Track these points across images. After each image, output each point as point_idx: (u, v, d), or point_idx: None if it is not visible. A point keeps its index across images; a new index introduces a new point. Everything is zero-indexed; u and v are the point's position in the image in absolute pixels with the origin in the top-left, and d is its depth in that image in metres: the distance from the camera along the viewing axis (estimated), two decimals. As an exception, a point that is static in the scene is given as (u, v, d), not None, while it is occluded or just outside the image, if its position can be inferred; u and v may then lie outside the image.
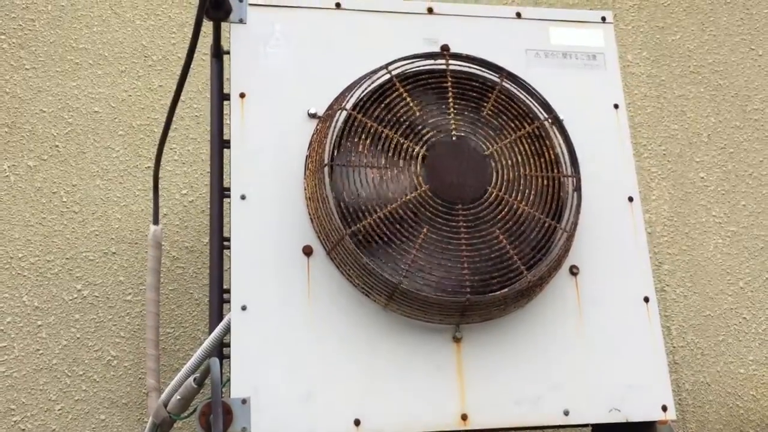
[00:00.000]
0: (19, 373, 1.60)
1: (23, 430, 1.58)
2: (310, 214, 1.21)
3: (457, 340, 1.20)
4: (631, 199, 1.35)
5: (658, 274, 1.97)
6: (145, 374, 1.63)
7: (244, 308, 1.16)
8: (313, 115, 1.27)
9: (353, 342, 1.17)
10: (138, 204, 1.75)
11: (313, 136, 1.25)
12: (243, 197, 1.21)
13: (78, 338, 1.65)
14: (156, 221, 1.59)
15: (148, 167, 1.78)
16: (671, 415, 1.22)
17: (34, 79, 1.80)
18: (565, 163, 1.28)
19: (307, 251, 1.20)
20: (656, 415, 1.22)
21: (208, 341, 1.21)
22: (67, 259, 1.69)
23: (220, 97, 1.37)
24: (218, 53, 1.39)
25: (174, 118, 1.75)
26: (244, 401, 1.11)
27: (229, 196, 1.32)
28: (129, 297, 1.69)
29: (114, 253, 1.71)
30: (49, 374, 1.61)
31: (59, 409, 1.60)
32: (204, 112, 1.85)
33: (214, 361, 1.08)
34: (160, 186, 1.72)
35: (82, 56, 1.84)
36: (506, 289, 1.17)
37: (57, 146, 1.76)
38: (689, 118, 2.14)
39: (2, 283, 1.65)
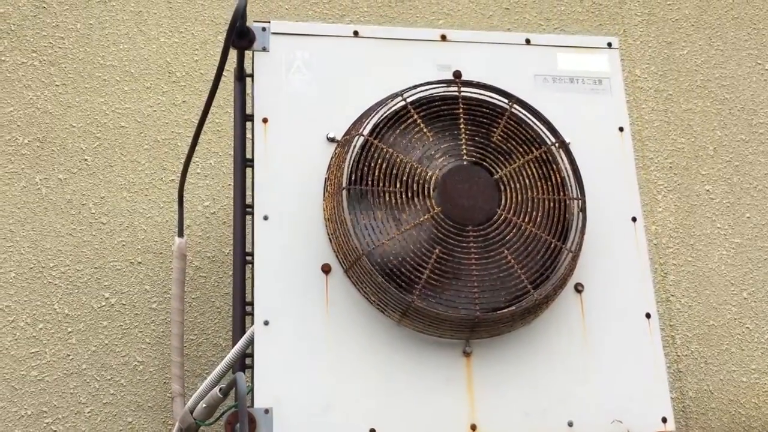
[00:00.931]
0: (50, 377, 1.69)
1: (54, 431, 1.66)
2: (328, 234, 1.29)
3: (467, 354, 1.27)
4: (634, 219, 1.41)
5: (664, 284, 2.03)
6: (169, 379, 1.72)
7: (266, 323, 1.23)
8: (332, 140, 1.34)
9: (369, 356, 1.24)
10: (162, 216, 1.83)
11: (332, 159, 1.32)
12: (266, 218, 1.29)
13: (106, 344, 1.73)
14: (181, 234, 1.67)
15: (173, 180, 1.86)
16: (671, 426, 1.29)
17: (63, 95, 1.88)
18: (571, 185, 1.34)
19: (326, 269, 1.27)
20: (656, 427, 1.29)
21: (232, 353, 1.28)
22: (95, 268, 1.77)
23: (242, 119, 1.45)
24: (241, 77, 1.47)
25: (197, 134, 1.83)
26: (266, 411, 1.18)
27: (250, 213, 1.40)
28: (154, 305, 1.77)
29: (140, 262, 1.79)
30: (78, 378, 1.70)
31: (89, 412, 1.69)
32: (224, 127, 1.92)
33: (240, 376, 1.15)
34: (184, 198, 1.80)
35: (110, 73, 1.92)
36: (514, 307, 1.24)
37: (86, 160, 1.84)
38: (696, 131, 2.20)
39: (34, 291, 1.73)
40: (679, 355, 1.98)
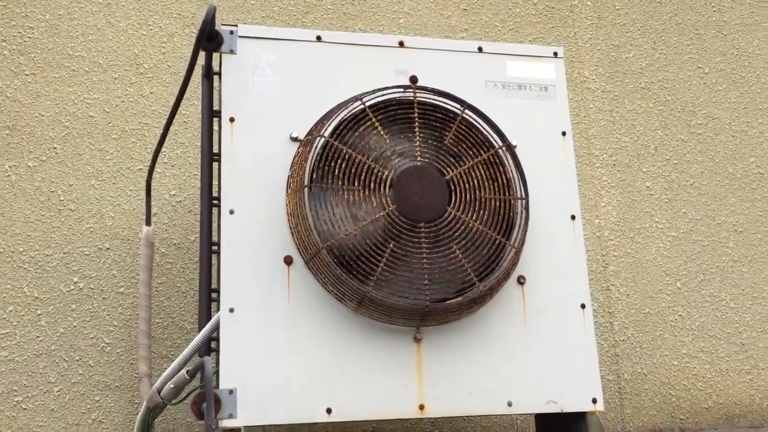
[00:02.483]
0: (20, 357, 1.76)
1: (24, 409, 1.74)
2: (291, 229, 1.38)
3: (417, 340, 1.38)
4: (573, 217, 1.53)
5: (605, 274, 2.17)
6: (136, 360, 1.80)
7: (231, 310, 1.33)
8: (294, 139, 1.44)
9: (327, 341, 1.34)
10: (130, 203, 1.90)
11: (294, 158, 1.41)
12: (232, 212, 1.38)
13: (75, 326, 1.80)
14: (148, 222, 1.74)
15: (140, 169, 1.93)
16: (599, 406, 1.42)
17: (33, 84, 1.93)
18: (516, 186, 1.45)
19: (288, 261, 1.37)
20: (587, 407, 1.42)
21: (199, 338, 1.38)
22: (64, 253, 1.84)
23: (209, 115, 1.53)
24: (209, 75, 1.55)
25: (164, 124, 1.91)
26: (231, 392, 1.28)
27: (216, 205, 1.49)
28: (122, 289, 1.85)
29: (108, 248, 1.87)
30: (48, 359, 1.77)
31: (57, 391, 1.76)
32: (191, 119, 1.99)
33: (207, 360, 1.25)
34: (151, 187, 1.87)
35: (78, 63, 1.97)
36: (461, 298, 1.36)
37: (55, 148, 1.90)
38: (638, 131, 2.34)
39: (4, 275, 1.79)
40: (616, 340, 2.12)
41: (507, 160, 1.47)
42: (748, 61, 2.50)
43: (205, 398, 1.24)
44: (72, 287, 1.83)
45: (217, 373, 1.31)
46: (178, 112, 1.95)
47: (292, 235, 1.38)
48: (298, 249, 1.38)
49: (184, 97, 1.96)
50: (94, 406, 1.77)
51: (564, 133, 1.58)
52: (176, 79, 2.02)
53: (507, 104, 1.55)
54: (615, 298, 2.16)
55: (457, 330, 1.40)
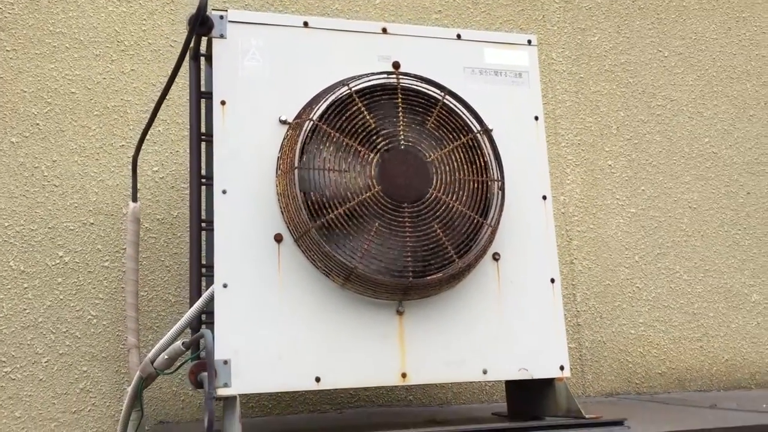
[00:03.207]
0: (8, 329, 1.80)
1: (13, 379, 1.79)
2: (281, 208, 1.45)
3: (399, 313, 1.47)
4: (544, 198, 1.63)
5: (569, 248, 2.29)
6: (122, 332, 1.86)
7: (225, 286, 1.40)
8: (284, 122, 1.50)
9: (315, 315, 1.43)
10: (113, 179, 1.94)
11: (284, 141, 1.48)
12: (224, 192, 1.44)
13: (61, 299, 1.85)
14: (135, 199, 1.79)
15: (122, 146, 1.97)
16: (566, 373, 1.53)
17: (14, 61, 1.94)
18: (493, 169, 1.55)
19: (278, 239, 1.44)
20: (555, 373, 1.54)
21: (192, 311, 1.45)
22: (49, 228, 1.88)
23: (197, 96, 1.58)
24: (197, 57, 1.60)
25: (146, 101, 1.95)
26: (225, 362, 1.36)
27: (205, 184, 1.55)
28: (107, 263, 1.90)
29: (92, 223, 1.91)
30: (35, 331, 1.82)
31: (45, 362, 1.81)
32: (172, 96, 2.03)
33: (208, 333, 1.32)
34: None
35: (59, 40, 1.99)
36: (441, 274, 1.45)
37: (38, 124, 1.93)
38: (602, 112, 2.45)
39: (-10, 250, 1.83)
40: (578, 311, 2.25)
41: (484, 143, 1.55)
42: (706, 45, 2.62)
43: (203, 368, 1.32)
44: (57, 261, 1.87)
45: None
46: (160, 90, 1.99)
47: (282, 214, 1.45)
48: (288, 227, 1.45)
49: (167, 75, 2.00)
50: (81, 376, 1.83)
51: (536, 118, 1.67)
52: (156, 57, 2.05)
53: (484, 90, 1.64)
54: (578, 271, 2.29)
55: (437, 303, 1.50)
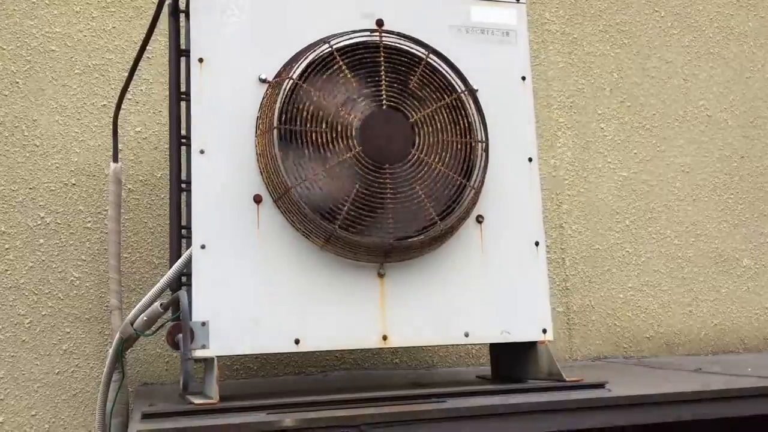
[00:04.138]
0: (-10, 291, 1.79)
1: (-4, 340, 1.78)
2: (260, 168, 1.43)
3: (381, 276, 1.45)
4: (530, 160, 1.60)
5: (558, 212, 2.27)
6: (105, 293, 1.85)
7: (203, 247, 1.38)
8: (263, 81, 1.46)
9: (295, 276, 1.41)
10: (95, 140, 1.92)
11: (263, 99, 1.45)
12: (202, 152, 1.41)
13: (43, 261, 1.84)
14: (116, 159, 1.76)
15: (104, 105, 1.94)
16: (549, 336, 1.52)
17: (-8, 17, 1.90)
18: (477, 129, 1.52)
19: (258, 199, 1.42)
20: (537, 336, 1.52)
21: (171, 273, 1.43)
22: (30, 188, 1.86)
23: (177, 54, 1.55)
24: (176, 13, 1.56)
25: (128, 60, 1.91)
26: (203, 324, 1.35)
27: (184, 144, 1.52)
28: (89, 224, 1.88)
29: (74, 184, 1.88)
30: (17, 292, 1.81)
31: (28, 323, 1.81)
32: (155, 55, 1.99)
33: (183, 294, 1.31)
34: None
35: (38, -4, 1.94)
36: (422, 236, 1.43)
37: (17, 83, 1.89)
38: (595, 73, 2.40)
39: (-30, 210, 1.81)
40: (567, 275, 2.24)
41: (469, 104, 1.52)
42: (703, 5, 2.57)
43: (181, 330, 1.31)
44: (39, 222, 1.85)
45: (190, 305, 1.37)
46: (139, 44, 1.96)
47: (261, 174, 1.43)
48: (267, 188, 1.42)
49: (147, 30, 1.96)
50: (65, 338, 1.82)
51: (524, 78, 1.63)
52: (139, 14, 2.01)
53: (470, 48, 1.60)
54: (567, 235, 2.27)
55: (419, 266, 1.48)
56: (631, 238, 2.33)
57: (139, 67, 1.95)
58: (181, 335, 1.30)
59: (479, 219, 1.54)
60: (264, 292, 1.39)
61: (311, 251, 1.43)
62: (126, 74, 1.93)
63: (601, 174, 2.34)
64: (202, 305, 1.36)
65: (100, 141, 1.91)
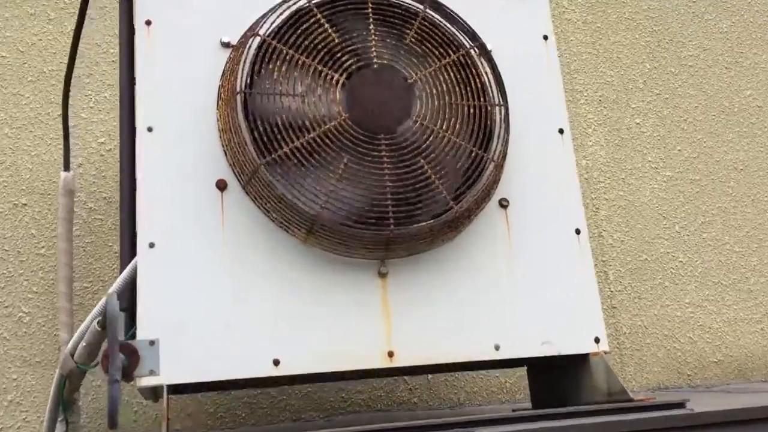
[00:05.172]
0: None
1: (-71, 393, 1.48)
2: (223, 146, 1.14)
3: (382, 275, 1.14)
4: (561, 131, 1.31)
5: (596, 219, 1.95)
6: (59, 330, 1.54)
7: (151, 245, 1.08)
8: (226, 45, 1.19)
9: (272, 279, 1.10)
10: (50, 153, 1.65)
11: (226, 65, 1.17)
12: (150, 129, 1.13)
13: (-13, 295, 1.55)
14: (67, 168, 1.49)
15: (60, 115, 1.67)
16: (604, 346, 1.19)
17: (-68, 21, 1.67)
18: (493, 92, 1.22)
19: (221, 185, 1.13)
20: (589, 347, 1.19)
21: (117, 283, 1.13)
22: (-27, 212, 1.58)
23: (129, 28, 1.28)
24: (126, -17, 1.30)
25: (89, 64, 1.65)
26: (152, 342, 1.04)
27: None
28: (42, 251, 1.59)
29: (24, 204, 1.61)
30: (-44, 334, 1.51)
31: (-32, 371, 1.50)
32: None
33: (111, 297, 1.00)
34: (76, 134, 1.63)
35: (-14, -3, 1.71)
36: (432, 221, 1.12)
37: (-41, 93, 1.64)
38: (624, 64, 2.12)
39: None
40: (612, 291, 1.90)
41: (481, 62, 1.23)
42: (739, -12, 2.30)
43: (124, 351, 1.00)
44: (-16, 251, 1.57)
45: (134, 321, 1.06)
46: (105, 50, 1.71)
47: (225, 154, 1.14)
48: (233, 170, 1.13)
49: (113, 34, 1.71)
50: (10, 386, 1.51)
51: (546, 37, 1.35)
52: (102, 15, 1.77)
53: (480, 3, 1.32)
54: (608, 245, 1.94)
55: (431, 261, 1.17)
56: (684, 246, 1.99)
57: (102, 72, 1.71)
58: (121, 356, 0.99)
59: (503, 203, 1.23)
60: (232, 301, 1.08)
61: (291, 247, 1.12)
62: (87, 80, 1.69)
63: (642, 174, 2.03)
64: (152, 319, 1.05)
65: (56, 155, 1.65)
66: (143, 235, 1.09)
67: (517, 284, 1.20)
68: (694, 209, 2.03)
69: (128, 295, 1.13)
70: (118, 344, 0.97)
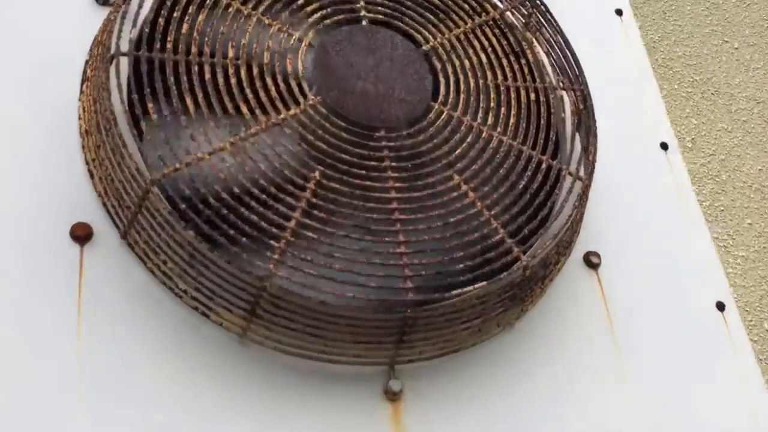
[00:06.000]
0: None
1: None
2: (86, 162, 0.61)
3: (392, 396, 0.59)
4: (664, 147, 0.81)
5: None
6: None
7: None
8: (104, 2, 0.70)
9: (174, 410, 0.55)
10: None
11: (97, 36, 0.67)
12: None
13: None
14: None
15: None
16: None
17: None
18: (557, 71, 0.73)
19: (81, 234, 0.59)
20: None
21: None
22: None
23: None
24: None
25: None
26: None
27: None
28: None
29: None
30: None
31: None
32: None
33: None
34: None
35: None
36: (485, 282, 0.59)
37: None
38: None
39: None
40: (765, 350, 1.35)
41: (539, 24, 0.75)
42: (783, 33, 1.92)
43: None
44: None
45: None
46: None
47: (91, 178, 0.61)
48: (105, 206, 0.60)
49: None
50: None
51: (619, 12, 0.89)
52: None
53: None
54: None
55: (478, 366, 0.62)
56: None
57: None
58: None
59: (592, 260, 0.71)
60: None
61: (218, 348, 0.58)
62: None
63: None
64: None
65: None
66: None
67: (628, 394, 0.66)
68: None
69: None
70: None
